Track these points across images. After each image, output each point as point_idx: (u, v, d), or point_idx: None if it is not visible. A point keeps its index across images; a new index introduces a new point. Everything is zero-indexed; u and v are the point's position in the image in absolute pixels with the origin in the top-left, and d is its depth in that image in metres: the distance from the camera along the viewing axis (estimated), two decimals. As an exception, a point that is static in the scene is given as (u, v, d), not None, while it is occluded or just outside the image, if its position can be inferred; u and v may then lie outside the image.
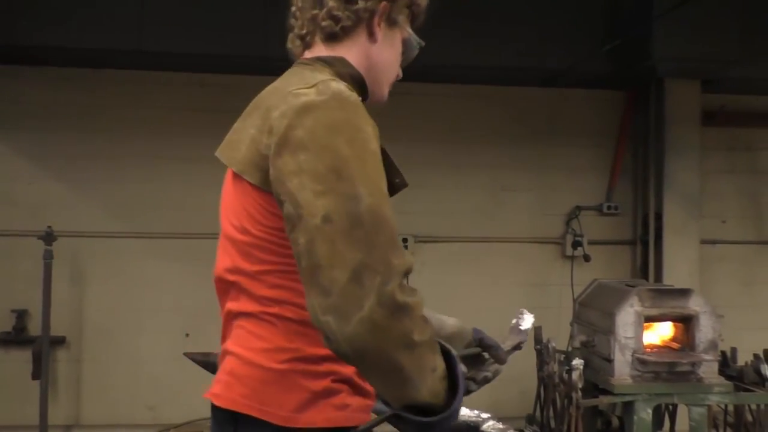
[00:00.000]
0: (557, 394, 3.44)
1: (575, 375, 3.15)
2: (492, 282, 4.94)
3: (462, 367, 1.12)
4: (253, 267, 1.17)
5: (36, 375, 4.18)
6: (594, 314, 3.52)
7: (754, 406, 3.37)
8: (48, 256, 4.13)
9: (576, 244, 4.90)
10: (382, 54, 1.29)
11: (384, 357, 1.02)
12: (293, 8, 1.29)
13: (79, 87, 4.58)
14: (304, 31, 1.28)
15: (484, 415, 2.32)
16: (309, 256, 1.04)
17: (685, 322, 3.28)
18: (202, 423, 4.26)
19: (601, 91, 5.01)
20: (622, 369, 3.23)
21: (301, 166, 1.06)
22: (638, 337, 3.24)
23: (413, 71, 1.43)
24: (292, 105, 1.10)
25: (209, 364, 3.17)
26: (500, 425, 2.28)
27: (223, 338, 1.27)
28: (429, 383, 1.05)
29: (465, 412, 2.35)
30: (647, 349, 3.26)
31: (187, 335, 4.52)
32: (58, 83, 4.58)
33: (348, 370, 1.17)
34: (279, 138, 1.09)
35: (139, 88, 4.62)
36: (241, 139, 1.19)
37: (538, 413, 3.81)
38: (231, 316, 1.23)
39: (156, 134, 4.61)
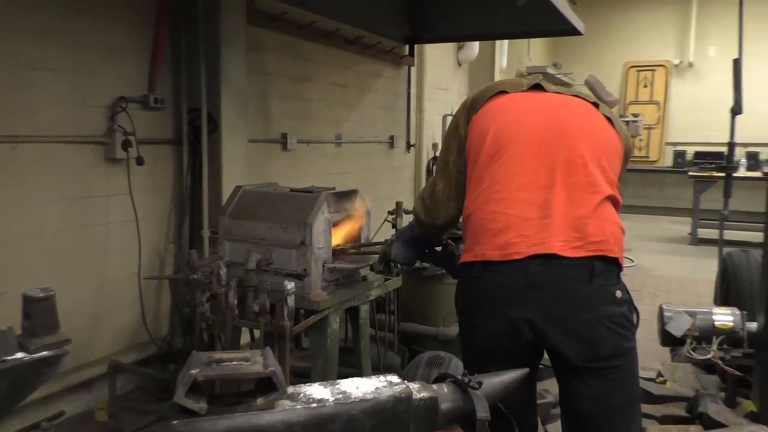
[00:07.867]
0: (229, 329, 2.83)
1: (291, 300, 2.65)
2: (20, 198, 3.51)
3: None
4: None
5: None
6: (262, 227, 3.02)
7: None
8: None
9: (126, 145, 3.96)
10: None
11: None
12: None
13: None
14: None
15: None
16: None
17: (353, 223, 3.22)
18: None
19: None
20: (317, 283, 2.93)
21: None
22: (327, 246, 2.99)
23: None
24: None
25: None
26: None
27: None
28: None
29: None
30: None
31: None
32: None
33: None
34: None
35: None
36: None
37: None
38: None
39: None
